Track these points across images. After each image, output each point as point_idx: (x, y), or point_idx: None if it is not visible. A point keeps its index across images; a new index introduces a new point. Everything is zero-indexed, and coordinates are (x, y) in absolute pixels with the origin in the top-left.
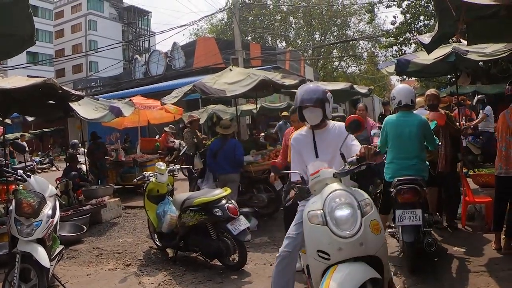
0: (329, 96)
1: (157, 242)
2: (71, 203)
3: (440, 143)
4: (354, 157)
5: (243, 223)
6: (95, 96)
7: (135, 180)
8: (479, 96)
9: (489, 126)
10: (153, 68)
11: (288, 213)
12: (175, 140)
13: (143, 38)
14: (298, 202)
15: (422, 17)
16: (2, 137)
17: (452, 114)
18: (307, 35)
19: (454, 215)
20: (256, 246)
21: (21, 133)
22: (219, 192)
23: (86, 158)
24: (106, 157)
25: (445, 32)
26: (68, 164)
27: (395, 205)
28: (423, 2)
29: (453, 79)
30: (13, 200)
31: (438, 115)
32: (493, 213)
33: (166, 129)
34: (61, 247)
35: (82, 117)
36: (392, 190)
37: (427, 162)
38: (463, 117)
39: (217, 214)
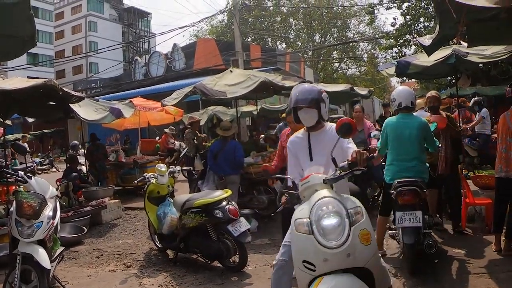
0: (324, 96)
1: (157, 244)
2: (71, 204)
3: (440, 145)
4: (346, 162)
5: (243, 224)
6: (95, 97)
7: (135, 181)
8: (475, 98)
9: (486, 129)
10: (153, 69)
11: (285, 218)
12: (175, 142)
13: (143, 39)
14: (295, 208)
15: (422, 19)
16: (2, 138)
17: (452, 116)
18: (307, 37)
19: (459, 219)
20: (257, 248)
21: (22, 134)
22: (219, 194)
23: (86, 160)
24: (108, 158)
25: (445, 34)
26: (68, 165)
27: (395, 207)
28: (423, 4)
29: (453, 81)
30: (14, 201)
31: (439, 118)
32: (493, 214)
33: (167, 130)
34: (62, 248)
35: (83, 118)
36: (392, 191)
37: (427, 164)
38: (461, 119)
39: (218, 215)
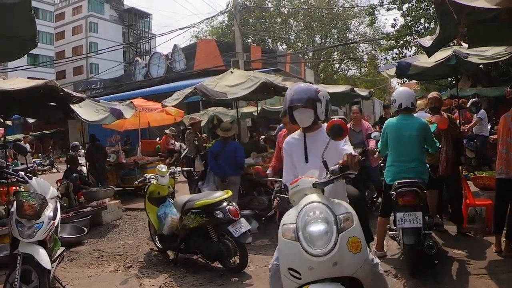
0: (321, 95)
1: (158, 244)
2: (71, 205)
3: (440, 146)
4: (337, 165)
5: (244, 225)
6: (96, 98)
7: (136, 182)
8: (473, 99)
9: (483, 130)
10: (154, 70)
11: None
12: (176, 143)
13: (143, 40)
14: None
15: (422, 20)
16: (2, 139)
17: (453, 117)
18: (308, 38)
19: (461, 221)
20: (257, 249)
21: (24, 134)
22: (220, 195)
23: (86, 160)
24: (107, 159)
25: (446, 35)
26: (68, 166)
27: (396, 208)
28: (423, 5)
29: (454, 82)
30: (15, 201)
31: (440, 119)
32: (493, 215)
33: (167, 131)
34: (62, 249)
35: (83, 119)
36: (392, 192)
37: (427, 165)
38: (461, 121)
39: (218, 216)
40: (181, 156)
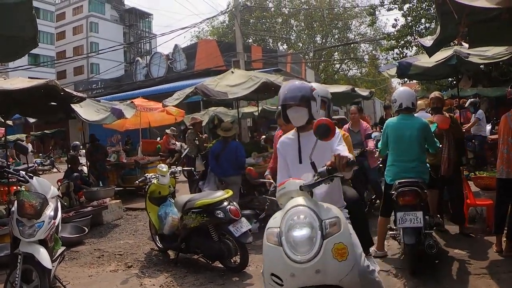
0: (316, 94)
1: (158, 244)
2: (72, 204)
3: (440, 145)
4: (325, 167)
5: (244, 225)
6: (97, 98)
7: (136, 182)
8: (471, 100)
9: (481, 130)
10: (155, 70)
11: None
12: (177, 142)
13: (144, 40)
14: None
15: (423, 20)
16: (3, 139)
17: (455, 117)
18: (308, 38)
19: (463, 221)
20: (258, 248)
21: (25, 134)
22: (220, 194)
23: (86, 160)
24: (108, 158)
25: (446, 35)
26: (69, 166)
27: (396, 207)
28: (424, 5)
29: (454, 82)
30: (15, 201)
31: (442, 119)
32: (494, 215)
33: (168, 131)
34: (63, 248)
35: (84, 119)
36: (393, 192)
37: (427, 165)
38: (462, 121)
39: (219, 216)
40: (182, 156)
